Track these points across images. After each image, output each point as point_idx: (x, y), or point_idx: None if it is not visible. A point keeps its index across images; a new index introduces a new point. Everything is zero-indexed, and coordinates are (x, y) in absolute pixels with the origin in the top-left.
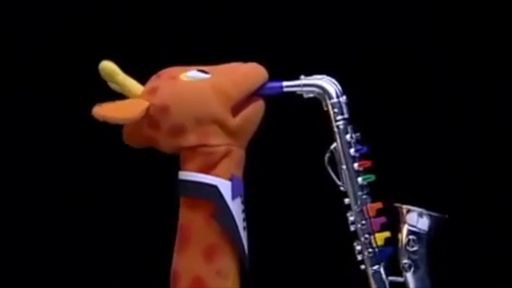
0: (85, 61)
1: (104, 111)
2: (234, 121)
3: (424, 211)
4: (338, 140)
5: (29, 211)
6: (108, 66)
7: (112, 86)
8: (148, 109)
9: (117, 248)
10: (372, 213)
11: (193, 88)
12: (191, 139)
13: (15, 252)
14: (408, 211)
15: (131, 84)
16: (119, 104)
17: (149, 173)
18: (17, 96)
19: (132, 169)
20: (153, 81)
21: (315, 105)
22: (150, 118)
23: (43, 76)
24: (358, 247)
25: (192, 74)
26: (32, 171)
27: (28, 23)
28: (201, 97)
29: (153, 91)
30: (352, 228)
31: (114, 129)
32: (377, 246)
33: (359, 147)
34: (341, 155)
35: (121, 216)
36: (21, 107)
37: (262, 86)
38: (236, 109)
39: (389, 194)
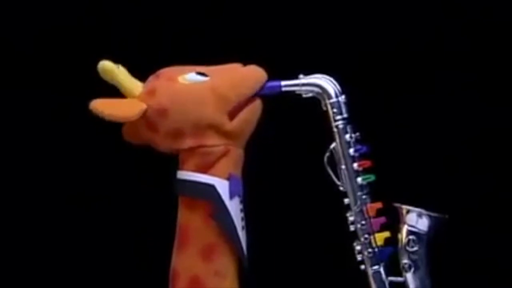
0: (85, 59)
1: (101, 106)
2: (232, 125)
3: (424, 211)
4: (338, 140)
5: (29, 211)
6: (107, 66)
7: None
8: (146, 111)
9: (116, 248)
10: (371, 213)
11: (191, 92)
12: (189, 142)
13: (15, 252)
14: (408, 211)
15: (130, 84)
16: (117, 101)
17: (148, 173)
18: (17, 96)
19: (131, 169)
20: (151, 82)
21: (314, 104)
22: (148, 120)
23: (43, 76)
24: (358, 247)
25: (190, 77)
26: (31, 171)
27: (27, 23)
28: (200, 101)
29: (151, 93)
30: (352, 228)
31: (113, 129)
32: (377, 246)
33: (358, 147)
34: (341, 155)
35: (120, 216)
36: (21, 107)
37: (261, 88)
38: (234, 111)
39: (388, 194)
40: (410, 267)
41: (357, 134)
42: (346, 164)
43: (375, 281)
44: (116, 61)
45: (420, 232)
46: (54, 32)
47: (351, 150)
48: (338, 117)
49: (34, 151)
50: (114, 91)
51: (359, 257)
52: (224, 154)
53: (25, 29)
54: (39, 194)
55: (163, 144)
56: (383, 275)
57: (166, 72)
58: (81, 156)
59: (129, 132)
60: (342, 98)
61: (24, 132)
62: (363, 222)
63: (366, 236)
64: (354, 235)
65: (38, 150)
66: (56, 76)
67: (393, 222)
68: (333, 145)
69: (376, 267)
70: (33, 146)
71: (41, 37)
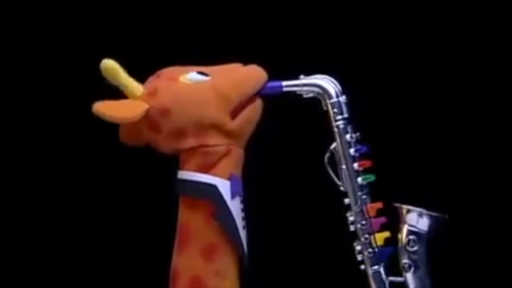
0: (85, 59)
1: (104, 108)
2: (233, 124)
3: (424, 211)
4: (338, 140)
5: (29, 211)
6: (110, 65)
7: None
8: (148, 111)
9: (116, 248)
10: (372, 213)
11: (193, 92)
12: (191, 141)
13: (15, 252)
14: (408, 211)
15: (132, 85)
16: (119, 103)
17: (148, 173)
18: (17, 96)
19: (131, 169)
20: (152, 82)
21: (314, 105)
22: (150, 120)
23: (43, 76)
24: (358, 247)
25: (192, 76)
26: (31, 171)
27: (27, 23)
28: (201, 101)
29: (153, 93)
30: (352, 228)
31: (113, 129)
32: (377, 246)
33: (359, 147)
34: (341, 155)
35: (120, 216)
36: (21, 107)
37: (262, 88)
38: (235, 111)
39: (389, 194)
40: (410, 267)
41: (358, 134)
42: (346, 164)
43: (375, 281)
44: (116, 61)
45: (420, 232)
46: (54, 32)
47: (352, 150)
48: (339, 117)
49: (34, 151)
50: (114, 92)
51: (359, 257)
52: (226, 154)
53: (25, 29)
54: (39, 194)
55: (165, 145)
56: (383, 275)
57: (167, 72)
58: (81, 156)
59: (127, 132)
60: (342, 98)
61: (24, 132)
62: (363, 222)
63: (366, 236)
64: (354, 235)
65: (38, 150)
66: (56, 76)
67: (393, 222)
68: (333, 145)
69: (376, 267)
70: (33, 146)
71: (41, 37)
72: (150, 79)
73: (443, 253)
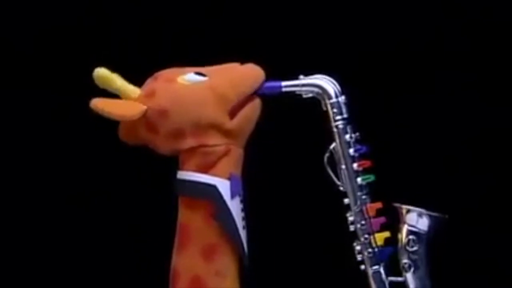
0: (85, 60)
1: (103, 104)
2: (232, 124)
3: (424, 211)
4: (337, 140)
5: (29, 211)
6: (102, 73)
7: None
8: (145, 112)
9: (116, 248)
10: (371, 213)
11: (191, 92)
12: (190, 142)
13: (15, 252)
14: (408, 211)
15: (127, 88)
16: (118, 101)
17: (148, 173)
18: (17, 96)
19: (131, 169)
20: (150, 84)
21: (314, 105)
22: (148, 122)
23: (43, 76)
24: (358, 247)
25: (189, 77)
26: (31, 171)
27: (27, 23)
28: (200, 101)
29: (150, 94)
30: (351, 228)
31: (113, 129)
32: (377, 246)
33: (358, 147)
34: (341, 155)
35: (120, 216)
36: (21, 107)
37: (260, 87)
38: (234, 111)
39: (388, 194)
40: (410, 267)
41: (357, 134)
42: (346, 164)
43: (375, 281)
44: (115, 61)
45: (420, 232)
46: (54, 32)
47: (351, 150)
48: (338, 117)
49: (34, 151)
50: (113, 93)
51: (359, 257)
52: (225, 153)
53: (25, 29)
54: (39, 194)
55: (164, 146)
56: (383, 275)
57: (165, 73)
58: (81, 156)
59: (126, 132)
60: (342, 99)
61: (24, 132)
62: (363, 222)
63: (366, 236)
64: (354, 235)
65: (38, 150)
66: (56, 76)
67: (393, 222)
68: (333, 145)
69: (376, 267)
70: (33, 146)
71: (41, 37)
72: (148, 81)
73: (443, 253)
